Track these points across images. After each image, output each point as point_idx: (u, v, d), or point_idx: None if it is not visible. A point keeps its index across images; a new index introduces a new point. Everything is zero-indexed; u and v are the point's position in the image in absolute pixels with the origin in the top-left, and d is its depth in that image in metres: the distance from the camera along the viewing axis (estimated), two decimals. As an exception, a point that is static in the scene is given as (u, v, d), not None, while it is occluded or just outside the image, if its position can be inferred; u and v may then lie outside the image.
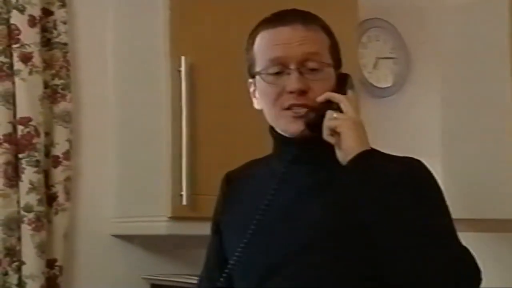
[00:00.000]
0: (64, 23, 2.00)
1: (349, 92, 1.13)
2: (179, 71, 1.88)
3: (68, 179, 1.97)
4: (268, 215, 1.09)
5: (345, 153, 1.06)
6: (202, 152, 1.89)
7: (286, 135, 1.14)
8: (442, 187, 1.14)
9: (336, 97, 1.10)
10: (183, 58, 1.88)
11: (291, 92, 1.10)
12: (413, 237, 1.00)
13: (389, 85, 2.56)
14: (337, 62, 1.16)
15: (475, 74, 2.45)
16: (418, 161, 1.15)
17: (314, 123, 1.09)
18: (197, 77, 1.90)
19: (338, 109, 1.09)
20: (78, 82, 2.06)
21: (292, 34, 1.11)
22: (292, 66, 1.10)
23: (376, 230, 1.01)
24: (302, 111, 1.11)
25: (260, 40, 1.14)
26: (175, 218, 1.87)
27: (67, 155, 1.97)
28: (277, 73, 1.11)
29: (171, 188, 1.86)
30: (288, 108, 1.11)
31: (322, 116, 1.09)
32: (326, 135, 1.08)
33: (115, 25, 2.11)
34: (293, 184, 1.12)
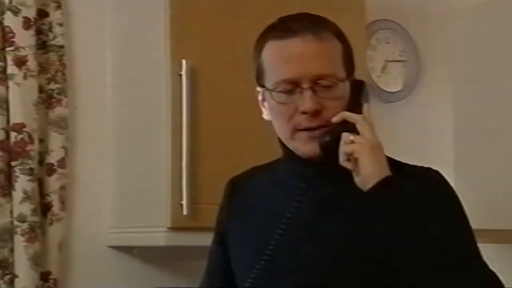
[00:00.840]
0: (60, 25, 2.00)
1: (365, 107, 1.12)
2: (180, 75, 1.88)
3: (63, 188, 1.97)
4: (288, 231, 1.10)
5: (364, 180, 1.06)
6: (204, 159, 1.90)
7: (299, 154, 1.14)
8: (456, 196, 1.14)
9: (353, 117, 1.09)
10: (184, 61, 1.88)
11: (304, 113, 1.10)
12: (437, 263, 1.02)
13: (398, 89, 2.55)
14: (350, 69, 1.15)
15: (489, 77, 2.44)
16: (437, 172, 1.15)
17: (330, 146, 1.09)
18: (198, 81, 1.90)
19: (354, 129, 1.08)
20: (75, 87, 2.06)
21: (303, 48, 1.09)
22: (305, 85, 1.09)
23: (398, 258, 1.03)
24: (317, 132, 1.10)
25: (269, 51, 1.13)
26: (175, 228, 1.87)
27: (62, 162, 1.97)
28: (289, 91, 1.11)
29: (171, 197, 1.87)
30: (302, 130, 1.11)
31: (337, 139, 1.08)
32: (342, 161, 1.08)
33: (113, 27, 2.11)
34: (309, 201, 1.12)
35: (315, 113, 1.09)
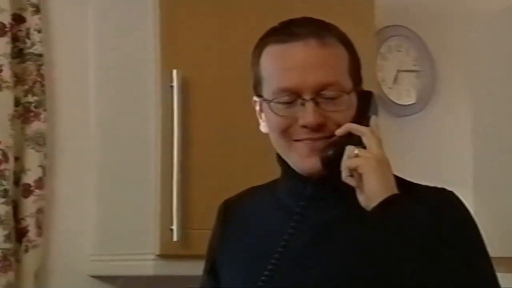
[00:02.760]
0: (39, 31, 2.00)
1: (373, 119, 1.11)
2: (171, 87, 1.89)
3: (40, 211, 1.96)
4: (284, 257, 1.10)
5: (368, 198, 1.05)
6: (197, 179, 1.89)
7: (298, 170, 1.13)
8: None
9: (359, 129, 1.08)
10: (175, 71, 1.89)
11: (305, 126, 1.09)
12: None
13: (412, 102, 2.56)
14: (357, 79, 1.15)
15: (511, 89, 2.44)
16: (451, 193, 1.14)
17: (332, 161, 1.08)
18: (191, 93, 1.90)
19: (359, 143, 1.08)
20: (54, 99, 2.06)
21: (305, 54, 1.09)
22: (307, 96, 1.09)
23: (404, 283, 1.02)
24: (319, 144, 1.09)
25: (267, 57, 1.12)
26: (164, 256, 1.87)
27: (40, 183, 1.97)
28: (289, 102, 1.10)
29: (160, 221, 1.87)
30: (301, 140, 1.10)
31: (341, 153, 1.08)
32: (345, 176, 1.07)
33: (98, 34, 2.12)
34: (307, 224, 1.11)
35: (317, 128, 1.09)
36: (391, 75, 2.53)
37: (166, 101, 1.88)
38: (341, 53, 1.12)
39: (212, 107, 1.94)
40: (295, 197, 1.13)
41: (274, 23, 1.16)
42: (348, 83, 1.12)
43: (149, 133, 1.91)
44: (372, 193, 1.04)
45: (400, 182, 1.10)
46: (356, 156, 1.06)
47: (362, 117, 1.11)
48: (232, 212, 1.22)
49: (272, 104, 1.11)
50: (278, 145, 1.14)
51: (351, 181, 1.06)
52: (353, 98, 1.12)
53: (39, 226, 1.96)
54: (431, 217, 1.06)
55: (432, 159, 2.51)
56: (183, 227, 1.86)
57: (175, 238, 1.85)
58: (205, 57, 1.94)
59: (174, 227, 1.85)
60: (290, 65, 1.09)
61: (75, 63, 2.11)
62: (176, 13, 1.93)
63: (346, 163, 1.07)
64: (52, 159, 2.04)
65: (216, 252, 1.21)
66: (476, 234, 1.11)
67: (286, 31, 1.12)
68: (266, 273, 1.09)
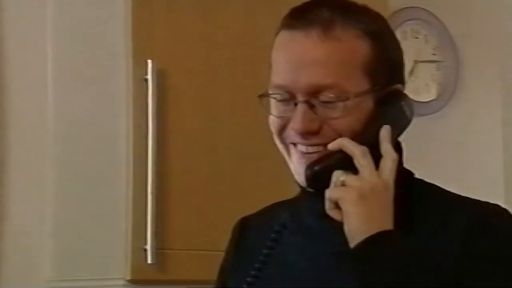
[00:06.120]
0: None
1: (385, 130, 1.09)
2: (145, 80, 1.90)
3: (-12, 228, 1.94)
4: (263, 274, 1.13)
5: (349, 237, 1.05)
6: (175, 190, 1.90)
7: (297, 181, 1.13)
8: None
9: (351, 148, 1.07)
10: (149, 62, 1.90)
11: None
12: None
13: (432, 98, 2.58)
14: (383, 79, 1.11)
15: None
16: (502, 211, 1.10)
17: (319, 180, 1.08)
18: (167, 87, 1.91)
19: (352, 165, 1.07)
20: (6, 95, 2.04)
21: (303, 48, 1.08)
22: (300, 98, 1.08)
23: None
24: (314, 156, 1.09)
25: (276, 44, 1.13)
26: (136, 281, 1.88)
27: (-12, 195, 1.95)
28: (285, 101, 1.11)
29: (132, 240, 1.87)
30: (296, 143, 1.11)
31: (330, 172, 1.08)
32: (328, 209, 1.07)
33: (56, 22, 2.08)
34: (326, 251, 1.12)
35: (306, 135, 1.09)
36: (407, 66, 2.49)
37: (140, 95, 1.90)
38: (356, 48, 1.09)
39: (191, 103, 1.93)
40: (314, 215, 1.13)
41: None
42: (358, 84, 1.09)
43: (119, 134, 1.92)
44: (350, 234, 1.05)
45: (435, 189, 1.11)
46: (343, 184, 1.07)
47: (374, 127, 1.09)
48: (248, 230, 1.24)
49: (270, 99, 1.12)
50: (280, 149, 1.14)
51: (335, 215, 1.07)
52: (363, 103, 1.10)
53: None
54: (452, 245, 1.04)
55: (455, 165, 2.51)
56: (158, 247, 1.86)
57: (149, 261, 1.85)
58: (184, 46, 1.96)
59: (148, 247, 1.85)
60: (286, 59, 1.10)
61: (31, 54, 2.07)
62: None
63: (328, 193, 1.07)
64: (2, 166, 2.02)
65: (227, 276, 1.23)
66: None
67: (300, 14, 1.11)
68: None
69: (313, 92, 1.08)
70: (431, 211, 1.10)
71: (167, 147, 1.89)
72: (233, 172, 1.87)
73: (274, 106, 1.11)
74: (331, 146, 1.08)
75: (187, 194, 1.88)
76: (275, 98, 1.10)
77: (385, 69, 1.11)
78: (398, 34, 2.48)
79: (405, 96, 1.13)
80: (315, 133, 1.08)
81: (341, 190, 1.06)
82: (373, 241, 1.03)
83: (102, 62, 2.00)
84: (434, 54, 2.58)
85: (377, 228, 1.04)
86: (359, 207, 1.04)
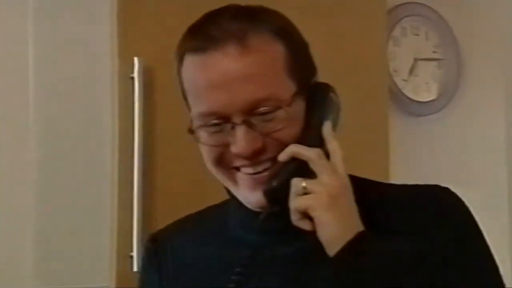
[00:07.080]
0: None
1: (326, 126, 1.09)
2: (131, 78, 1.90)
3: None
4: None
5: (326, 246, 1.05)
6: (162, 193, 1.91)
7: (246, 205, 1.13)
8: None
9: (303, 153, 1.07)
10: (136, 59, 1.90)
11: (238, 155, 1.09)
12: None
13: (432, 98, 2.58)
14: (303, 75, 1.11)
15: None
16: (445, 192, 1.12)
17: (279, 194, 1.07)
18: (155, 85, 1.92)
19: (308, 170, 1.06)
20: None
21: (226, 67, 1.07)
22: (237, 120, 1.07)
23: None
24: (265, 175, 1.08)
25: (187, 69, 1.12)
26: None
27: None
28: (217, 127, 1.09)
29: (117, 246, 1.88)
30: (241, 167, 1.10)
31: (288, 183, 1.07)
32: (296, 220, 1.06)
33: (40, 19, 2.08)
34: (269, 261, 1.12)
35: (253, 156, 1.07)
36: (407, 64, 2.54)
37: (126, 94, 1.90)
38: (274, 53, 1.09)
39: (178, 101, 1.91)
40: (248, 230, 1.13)
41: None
42: (288, 89, 1.09)
43: (104, 135, 1.93)
44: (328, 241, 1.05)
45: (366, 185, 1.11)
46: (304, 190, 1.06)
47: (314, 127, 1.09)
48: (167, 251, 1.22)
49: (199, 131, 1.11)
50: (219, 176, 1.14)
51: (305, 226, 1.06)
52: (298, 106, 1.10)
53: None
54: (412, 240, 1.05)
55: (456, 168, 2.51)
56: (145, 253, 1.86)
57: (135, 268, 1.85)
58: (170, 43, 1.89)
59: (135, 253, 1.85)
60: (207, 84, 1.08)
61: (10, 52, 2.07)
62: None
63: (293, 204, 1.06)
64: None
65: None
66: (480, 246, 1.10)
67: (203, 33, 1.11)
68: None
69: (250, 109, 1.07)
70: (386, 206, 1.10)
71: (154, 147, 1.90)
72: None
73: (206, 135, 1.10)
74: (282, 156, 1.07)
75: (174, 198, 1.89)
76: (207, 127, 1.09)
77: (302, 64, 1.12)
78: (397, 31, 2.50)
79: (330, 86, 1.14)
80: (260, 152, 1.07)
81: (308, 198, 1.05)
82: (356, 245, 1.04)
83: (88, 60, 2.00)
84: (435, 52, 2.58)
85: (353, 230, 1.05)
86: (332, 211, 1.04)
